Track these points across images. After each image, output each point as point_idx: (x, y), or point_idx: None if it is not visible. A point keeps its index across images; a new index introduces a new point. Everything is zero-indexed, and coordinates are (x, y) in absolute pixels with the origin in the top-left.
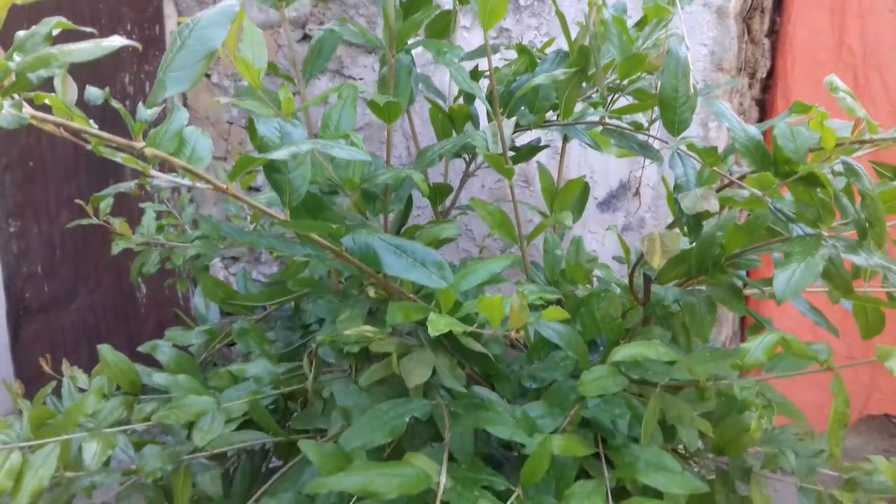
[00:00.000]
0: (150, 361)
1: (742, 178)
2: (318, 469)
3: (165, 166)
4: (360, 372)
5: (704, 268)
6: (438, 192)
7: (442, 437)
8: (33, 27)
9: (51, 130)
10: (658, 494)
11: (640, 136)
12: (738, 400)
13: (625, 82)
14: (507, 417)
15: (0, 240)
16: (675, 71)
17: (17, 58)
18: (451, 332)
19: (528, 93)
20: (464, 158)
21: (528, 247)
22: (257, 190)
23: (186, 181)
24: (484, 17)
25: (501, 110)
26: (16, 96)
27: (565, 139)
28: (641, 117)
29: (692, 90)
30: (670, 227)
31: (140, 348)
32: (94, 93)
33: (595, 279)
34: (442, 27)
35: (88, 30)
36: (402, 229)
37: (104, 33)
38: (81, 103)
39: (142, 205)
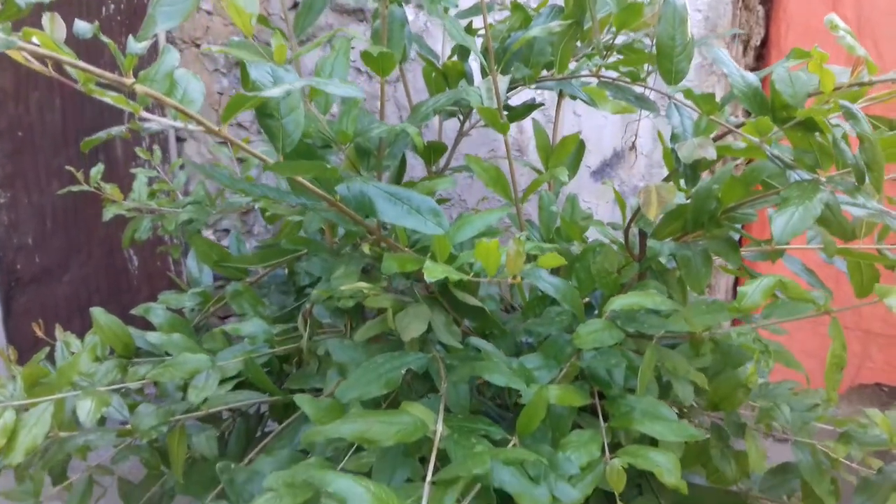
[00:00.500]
0: (144, 329)
1: (739, 126)
2: (314, 422)
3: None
4: (356, 331)
5: (700, 222)
6: (433, 151)
7: (438, 393)
8: None
9: (39, 69)
10: (654, 446)
11: (637, 89)
12: (733, 355)
13: (619, 40)
14: (503, 366)
15: None
16: (672, 19)
17: None
18: (446, 287)
19: (523, 48)
20: (458, 118)
21: (523, 205)
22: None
23: (178, 123)
24: None
25: (496, 67)
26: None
27: (559, 101)
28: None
29: (689, 38)
30: (666, 180)
31: (134, 311)
32: (82, 27)
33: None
34: None
35: None
36: None
37: None
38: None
39: (133, 170)
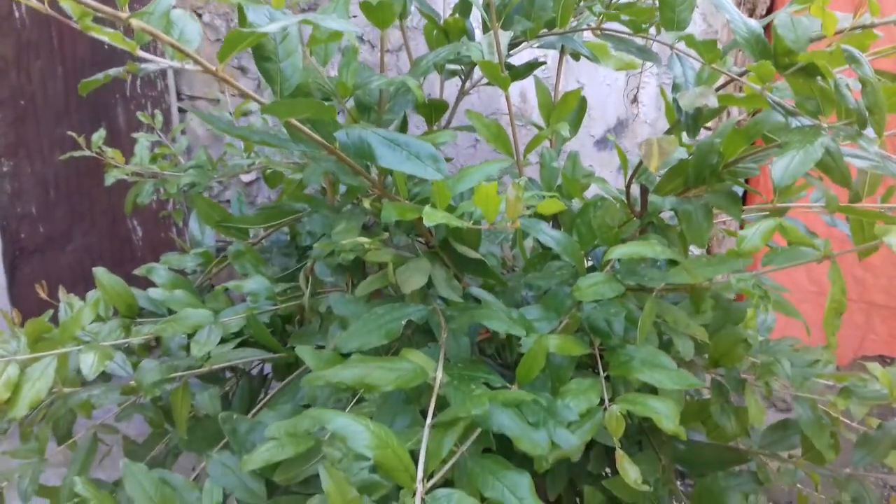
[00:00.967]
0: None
1: (742, 74)
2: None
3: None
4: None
5: (702, 177)
6: (433, 109)
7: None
8: None
9: (36, 7)
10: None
11: (639, 40)
12: (733, 312)
13: None
14: (503, 314)
15: None
16: None
17: None
18: (447, 242)
19: (524, 3)
20: (459, 76)
21: (524, 162)
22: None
23: (175, 62)
24: None
25: (498, 22)
26: None
27: (560, 60)
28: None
29: None
30: (668, 133)
31: (136, 271)
32: None
33: None
34: None
35: None
36: None
37: None
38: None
39: (134, 135)
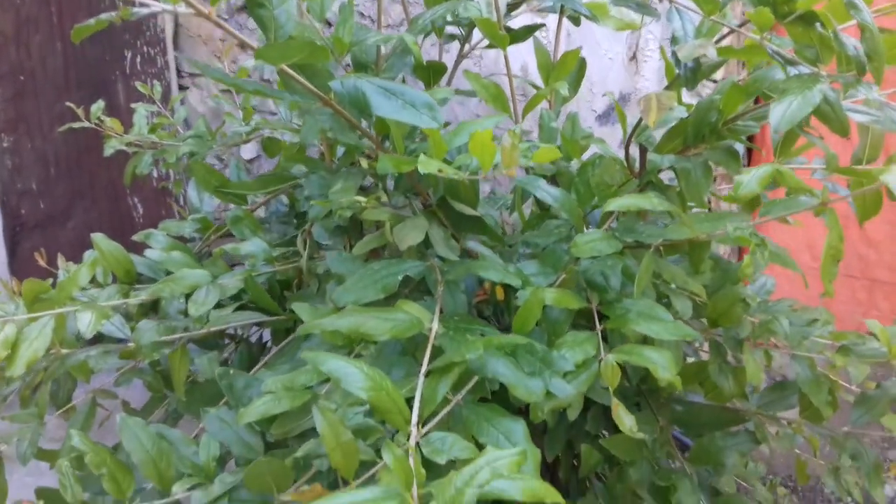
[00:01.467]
0: None
1: (741, 25)
2: None
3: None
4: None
5: (701, 134)
6: (432, 71)
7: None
8: None
9: None
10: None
11: None
12: (732, 272)
13: None
14: (498, 265)
15: None
16: None
17: None
18: (445, 200)
19: None
20: (458, 39)
21: (522, 122)
22: None
23: (168, 5)
24: None
25: None
26: None
27: (559, 23)
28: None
29: None
30: (667, 90)
31: (134, 237)
32: None
33: None
34: None
35: None
36: None
37: None
38: None
39: (133, 105)
